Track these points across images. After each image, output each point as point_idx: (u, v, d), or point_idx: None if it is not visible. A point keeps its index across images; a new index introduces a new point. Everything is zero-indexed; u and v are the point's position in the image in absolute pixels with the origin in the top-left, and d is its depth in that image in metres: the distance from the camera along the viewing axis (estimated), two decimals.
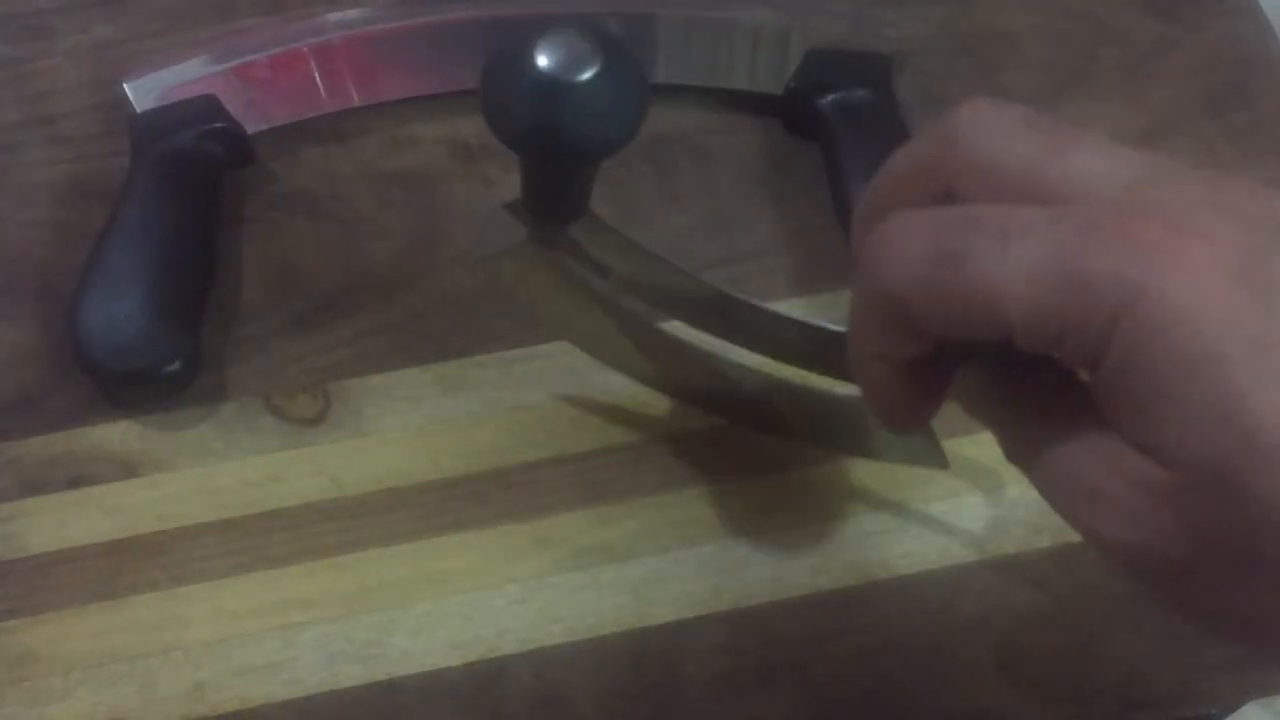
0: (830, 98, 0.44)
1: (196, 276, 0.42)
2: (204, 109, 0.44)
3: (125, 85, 0.44)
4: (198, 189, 0.43)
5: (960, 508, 0.38)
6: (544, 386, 0.40)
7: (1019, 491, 0.38)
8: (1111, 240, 0.22)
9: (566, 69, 0.28)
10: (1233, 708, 0.48)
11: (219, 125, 0.43)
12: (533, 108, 0.28)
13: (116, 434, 0.40)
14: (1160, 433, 0.22)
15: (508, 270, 0.38)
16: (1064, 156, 0.24)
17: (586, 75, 0.28)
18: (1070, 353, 0.23)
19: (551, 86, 0.28)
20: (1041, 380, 0.26)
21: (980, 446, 0.39)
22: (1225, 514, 0.22)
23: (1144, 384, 0.22)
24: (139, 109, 0.44)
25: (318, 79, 0.45)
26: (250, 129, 0.44)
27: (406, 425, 0.40)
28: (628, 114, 0.29)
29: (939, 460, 0.37)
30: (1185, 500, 0.22)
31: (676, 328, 0.39)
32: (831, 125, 0.44)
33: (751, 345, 0.38)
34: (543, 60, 0.28)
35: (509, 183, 0.44)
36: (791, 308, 0.41)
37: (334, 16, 0.46)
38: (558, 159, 0.31)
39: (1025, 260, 0.23)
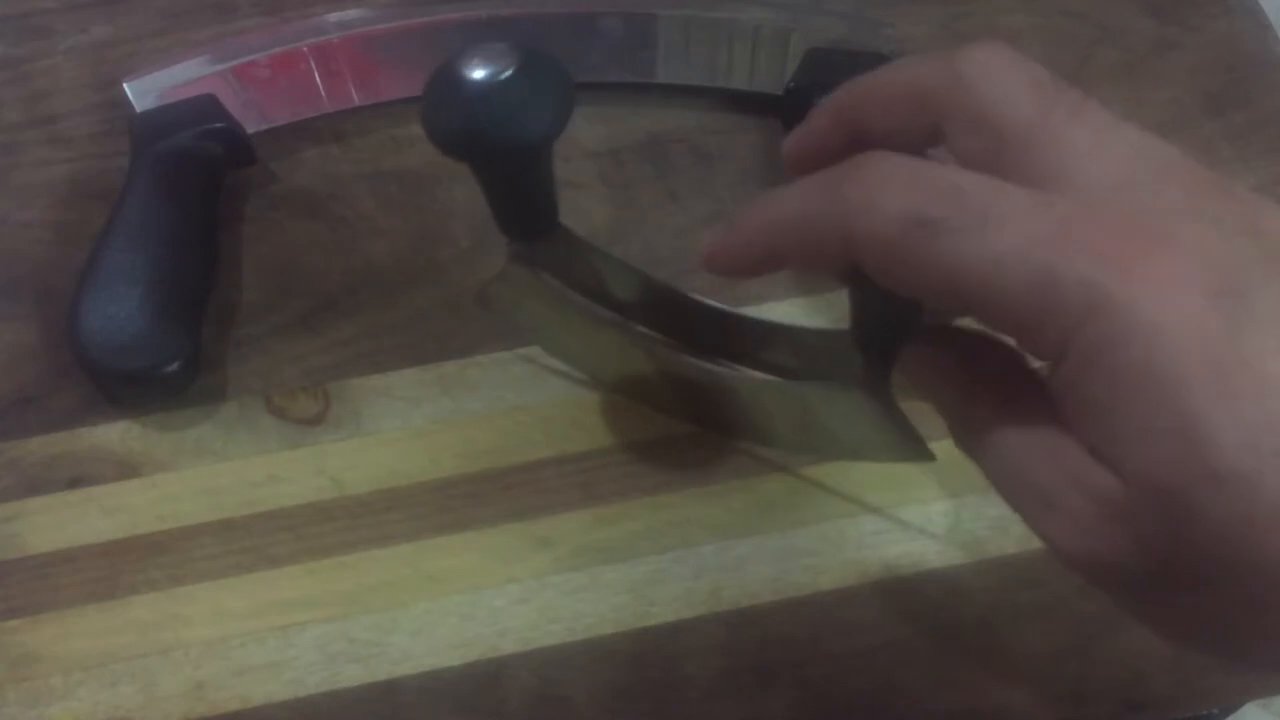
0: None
1: (196, 276, 0.42)
2: (204, 109, 0.44)
3: (125, 85, 0.44)
4: (198, 189, 0.43)
5: (960, 508, 0.38)
6: (544, 386, 0.40)
7: None
8: (1085, 244, 0.22)
9: (489, 74, 0.31)
10: (1233, 708, 0.48)
11: (219, 125, 0.43)
12: (460, 112, 0.31)
13: (116, 434, 0.40)
14: (1113, 446, 0.22)
15: (499, 296, 0.38)
16: (1060, 129, 0.24)
17: (504, 76, 0.31)
18: (1027, 345, 0.23)
19: (475, 90, 0.31)
20: (995, 361, 0.26)
21: None
22: (1175, 532, 0.22)
23: (1101, 394, 0.22)
24: (139, 109, 0.44)
25: (317, 79, 0.45)
26: (250, 129, 0.44)
27: (406, 425, 0.40)
28: (546, 109, 0.31)
29: (924, 454, 0.37)
30: (1137, 515, 0.22)
31: (659, 337, 0.39)
32: None
33: (730, 352, 0.38)
34: (466, 70, 0.31)
35: None
36: (791, 308, 0.42)
37: (334, 16, 0.46)
38: (494, 157, 0.33)
39: (1000, 248, 0.22)
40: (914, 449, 0.37)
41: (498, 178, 0.34)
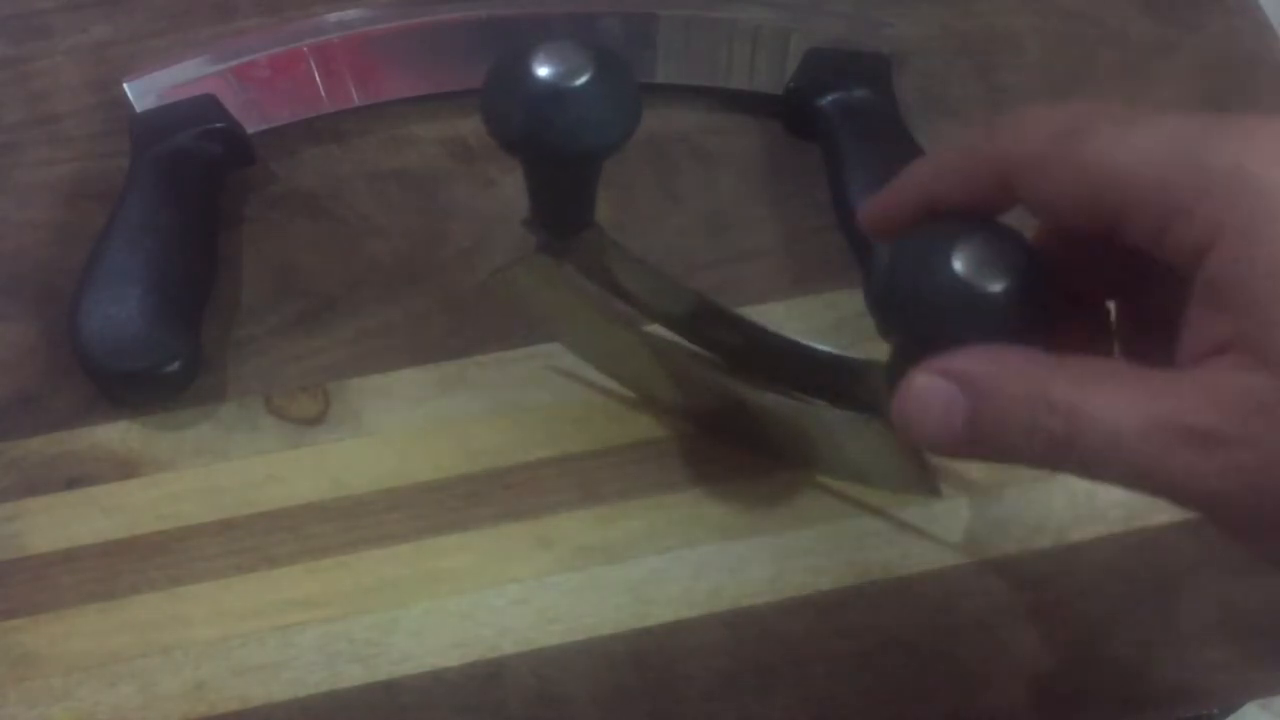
0: (830, 98, 0.44)
1: (196, 276, 0.42)
2: (204, 109, 0.44)
3: (125, 85, 0.44)
4: (198, 189, 0.43)
5: (960, 508, 0.38)
6: (544, 386, 0.40)
7: (1019, 491, 0.38)
8: (1232, 137, 0.23)
9: (562, 76, 0.30)
10: (1233, 708, 0.48)
11: (219, 125, 0.43)
12: (530, 113, 0.30)
13: (116, 434, 0.40)
14: (1270, 329, 0.22)
15: (519, 282, 0.38)
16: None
17: (580, 81, 0.30)
18: (1173, 241, 0.24)
19: (548, 92, 0.30)
20: (1082, 335, 0.27)
21: None
22: None
23: (1257, 272, 0.22)
24: (139, 109, 0.44)
25: (317, 79, 0.45)
26: (250, 129, 0.44)
27: (406, 425, 0.40)
28: (620, 118, 0.31)
29: (932, 490, 0.37)
30: None
31: (680, 343, 0.39)
32: (831, 125, 0.44)
33: (750, 363, 0.38)
34: (540, 69, 0.30)
35: (509, 183, 0.44)
36: (791, 308, 0.42)
37: (334, 16, 0.46)
38: (556, 161, 0.32)
39: (1145, 143, 0.24)
40: (923, 484, 0.37)
41: (552, 178, 0.34)
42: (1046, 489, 0.38)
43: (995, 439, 0.25)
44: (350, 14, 0.46)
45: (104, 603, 0.37)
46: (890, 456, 0.37)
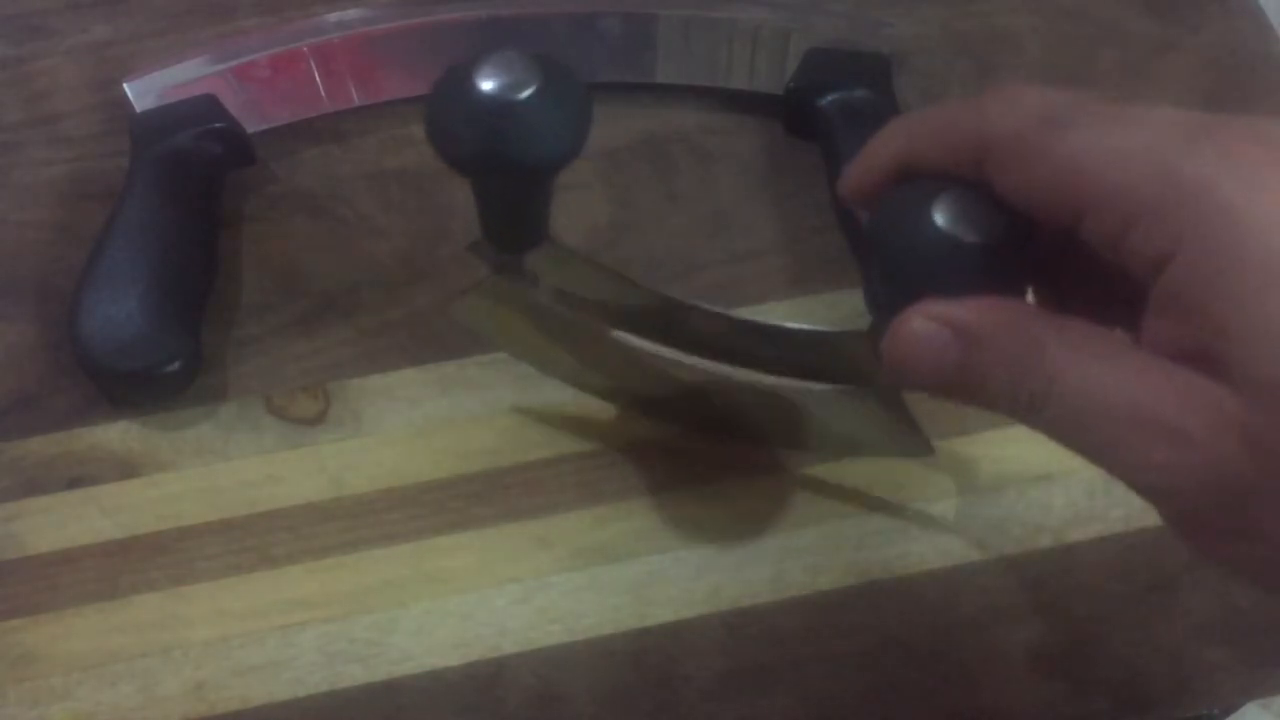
0: (830, 98, 0.44)
1: (196, 276, 0.42)
2: (204, 109, 0.44)
3: (125, 85, 0.44)
4: (198, 189, 0.43)
5: (960, 508, 0.38)
6: (544, 386, 0.40)
7: (1019, 491, 0.38)
8: (1209, 150, 0.23)
9: (509, 89, 0.29)
10: (1233, 708, 0.48)
11: (219, 125, 0.43)
12: (477, 130, 0.29)
13: (116, 434, 0.40)
14: (1227, 345, 0.22)
15: (474, 308, 0.38)
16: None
17: (526, 94, 0.29)
18: (1138, 243, 0.24)
19: (489, 104, 0.29)
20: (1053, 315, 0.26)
21: (979, 446, 0.39)
22: None
23: (1217, 291, 0.22)
24: (139, 109, 0.44)
25: (317, 79, 0.45)
26: (250, 129, 0.44)
27: (406, 425, 0.40)
28: (572, 126, 0.30)
29: (925, 448, 0.37)
30: (1252, 419, 0.22)
31: (646, 346, 0.39)
32: (831, 125, 0.44)
33: (725, 355, 0.38)
34: (480, 80, 0.29)
35: None
36: (791, 307, 0.42)
37: (334, 17, 0.46)
38: (511, 178, 0.31)
39: (1123, 143, 0.24)
40: (916, 443, 0.37)
41: (502, 195, 0.33)
42: (1047, 489, 0.38)
43: (979, 388, 0.26)
44: (350, 14, 0.46)
45: (104, 603, 0.37)
46: (880, 424, 0.37)
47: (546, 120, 0.29)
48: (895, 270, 0.28)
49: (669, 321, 0.38)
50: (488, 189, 0.33)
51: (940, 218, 0.27)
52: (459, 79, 0.29)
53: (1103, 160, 0.24)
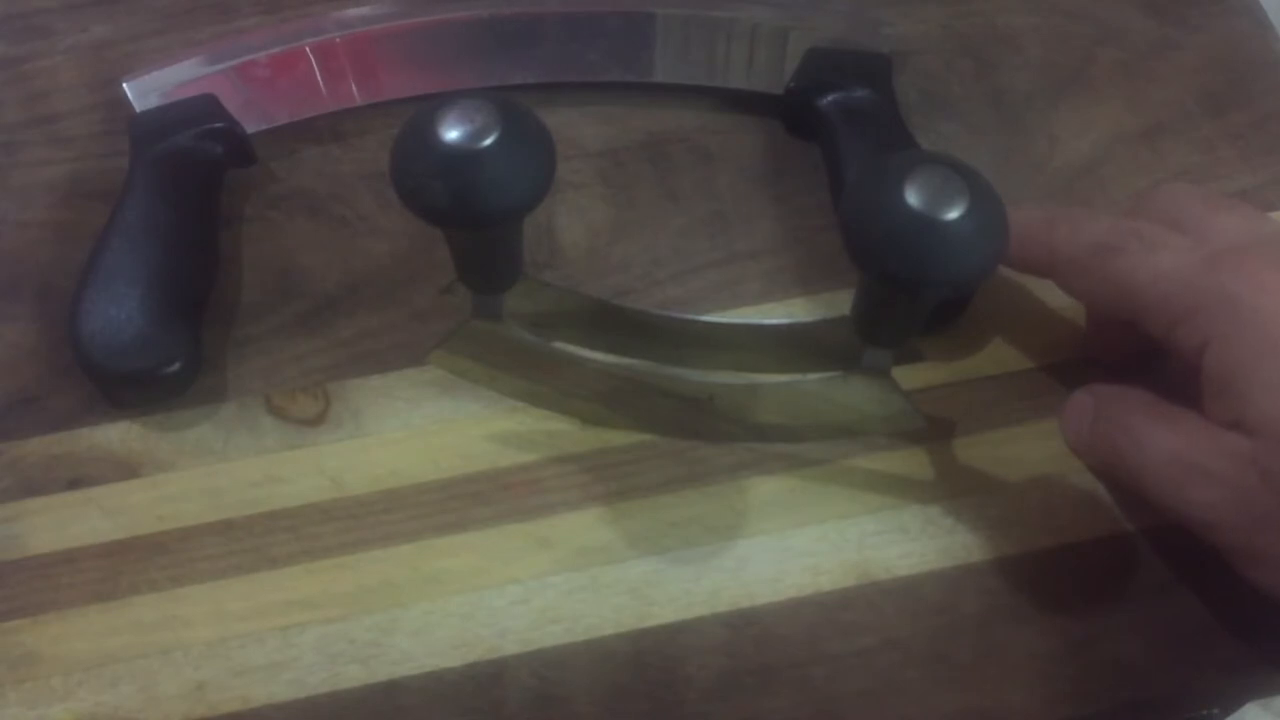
0: (830, 98, 0.44)
1: (196, 276, 0.42)
2: (204, 109, 0.44)
3: (125, 85, 0.44)
4: (198, 189, 0.43)
5: (960, 508, 0.38)
6: None
7: (1019, 491, 0.38)
8: (1223, 267, 0.32)
9: (465, 136, 0.29)
10: (1233, 708, 0.48)
11: (219, 125, 0.43)
12: (438, 179, 0.29)
13: (116, 434, 0.40)
14: (1244, 404, 0.31)
15: (452, 356, 0.38)
16: (1217, 214, 0.34)
17: (487, 143, 0.29)
18: (1180, 340, 0.33)
19: (453, 155, 0.29)
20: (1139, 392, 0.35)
21: (979, 448, 0.39)
22: None
23: (1232, 365, 0.31)
24: (139, 109, 0.44)
25: (318, 78, 0.45)
26: (250, 129, 0.44)
27: (406, 425, 0.40)
28: (532, 174, 0.30)
29: (916, 420, 0.37)
30: (1261, 457, 0.31)
31: (635, 365, 0.39)
32: (831, 125, 0.44)
33: (710, 361, 0.38)
34: (443, 130, 0.29)
35: None
36: (791, 308, 0.42)
37: (334, 16, 0.46)
38: (473, 227, 0.31)
39: (1161, 267, 0.33)
40: (907, 417, 0.37)
41: (474, 242, 0.34)
42: (1047, 489, 0.38)
43: (1095, 449, 0.36)
44: (351, 13, 0.46)
45: (104, 603, 0.37)
46: (872, 405, 0.37)
47: (512, 165, 0.30)
48: (872, 256, 0.30)
49: (654, 338, 0.38)
50: (460, 236, 0.33)
51: (913, 197, 0.29)
52: (420, 130, 0.29)
53: (1147, 281, 0.33)
